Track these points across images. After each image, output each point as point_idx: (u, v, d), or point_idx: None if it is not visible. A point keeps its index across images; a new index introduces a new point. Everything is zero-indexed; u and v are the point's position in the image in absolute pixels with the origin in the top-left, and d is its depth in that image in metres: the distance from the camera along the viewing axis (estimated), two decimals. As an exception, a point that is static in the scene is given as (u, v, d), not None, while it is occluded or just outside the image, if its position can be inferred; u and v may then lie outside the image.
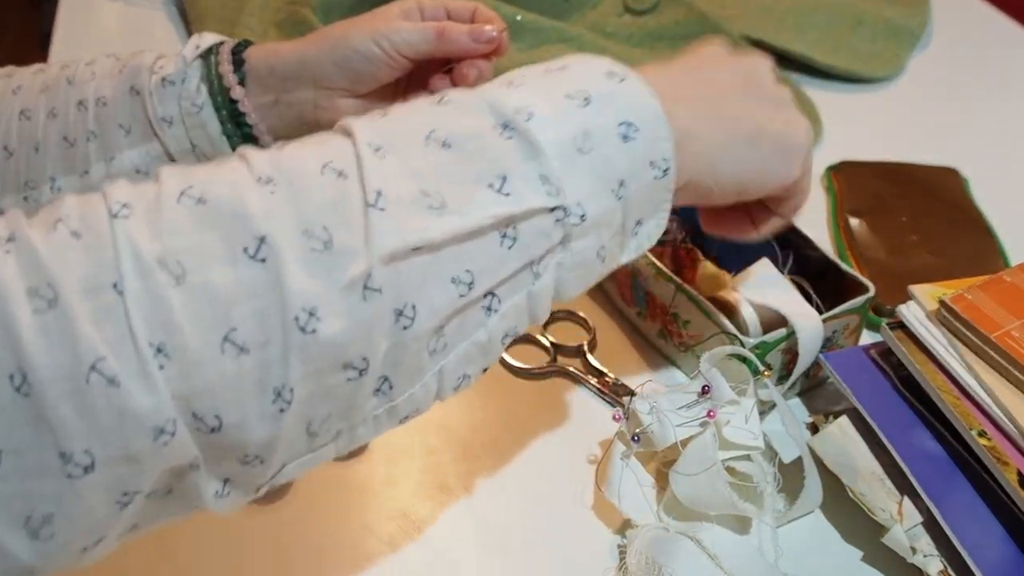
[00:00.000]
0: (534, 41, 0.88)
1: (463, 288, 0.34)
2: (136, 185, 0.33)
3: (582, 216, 0.36)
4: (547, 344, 0.62)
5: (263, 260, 0.31)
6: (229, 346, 0.30)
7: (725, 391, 0.48)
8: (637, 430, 0.49)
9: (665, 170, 0.38)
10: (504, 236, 0.35)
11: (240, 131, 0.63)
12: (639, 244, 0.40)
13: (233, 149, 0.63)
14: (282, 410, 0.32)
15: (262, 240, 0.31)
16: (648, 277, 0.60)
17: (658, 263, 0.59)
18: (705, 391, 0.48)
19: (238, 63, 0.62)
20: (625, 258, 0.40)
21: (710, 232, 0.51)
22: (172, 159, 0.63)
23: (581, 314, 0.64)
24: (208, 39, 0.63)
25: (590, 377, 0.60)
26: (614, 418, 0.50)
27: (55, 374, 0.28)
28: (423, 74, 0.65)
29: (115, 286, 0.29)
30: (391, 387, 0.35)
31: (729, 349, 0.51)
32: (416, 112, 0.36)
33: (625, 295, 0.63)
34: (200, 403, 0.30)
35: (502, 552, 0.50)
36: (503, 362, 0.60)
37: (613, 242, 0.38)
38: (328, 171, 0.33)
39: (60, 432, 0.28)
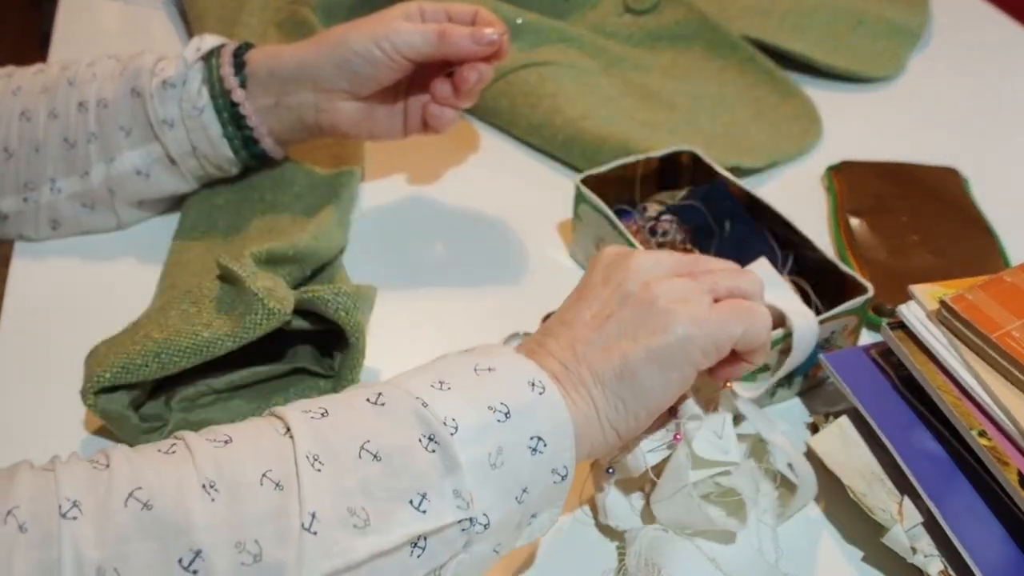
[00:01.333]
0: (534, 41, 0.88)
1: None
2: (88, 475, 0.35)
3: (486, 524, 0.39)
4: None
5: (194, 573, 0.34)
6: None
7: (690, 407, 0.48)
8: (610, 459, 0.49)
9: (564, 476, 0.41)
10: (414, 547, 0.38)
11: (241, 133, 0.63)
12: (531, 533, 0.43)
13: (234, 151, 0.63)
14: None
15: (198, 553, 0.34)
16: None
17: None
18: (671, 411, 0.48)
19: (239, 66, 0.62)
20: (517, 546, 0.43)
21: (721, 379, 0.50)
22: (172, 161, 0.63)
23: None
24: (209, 41, 0.63)
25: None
26: None
27: None
28: (424, 76, 0.65)
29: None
30: None
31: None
32: (354, 417, 0.39)
33: None
34: None
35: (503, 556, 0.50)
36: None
37: (508, 537, 0.41)
38: (267, 482, 0.36)
39: None
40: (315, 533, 0.35)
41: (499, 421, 0.40)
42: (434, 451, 0.38)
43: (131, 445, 0.53)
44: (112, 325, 0.56)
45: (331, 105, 0.62)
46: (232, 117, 0.62)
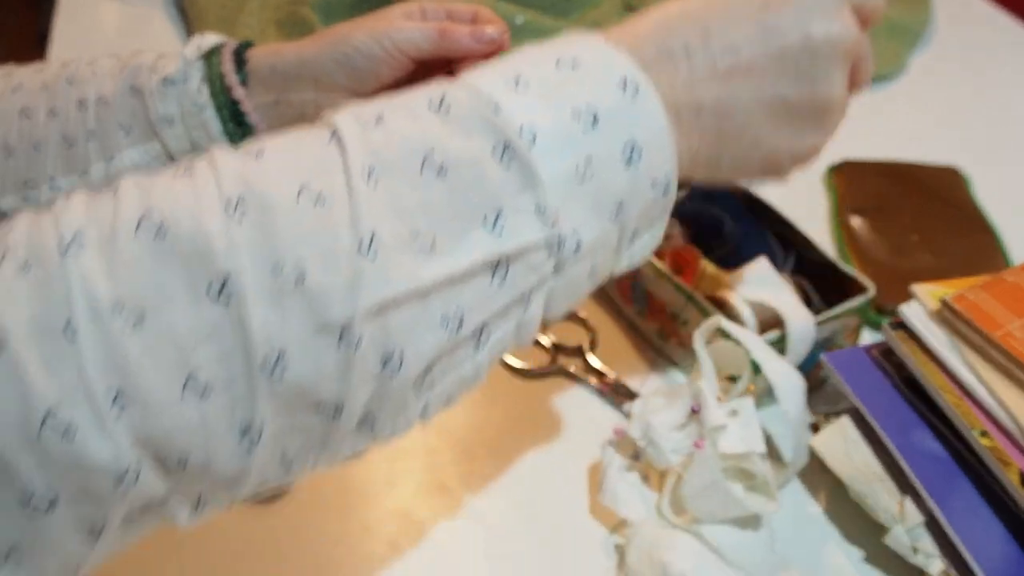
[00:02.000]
0: (534, 40, 0.87)
1: (452, 330, 0.32)
2: (92, 202, 0.31)
3: (578, 244, 0.34)
4: (547, 344, 0.62)
5: (225, 301, 0.29)
6: (191, 392, 0.29)
7: (714, 416, 0.48)
8: (637, 449, 0.49)
9: (666, 188, 0.36)
10: (495, 274, 0.33)
11: (241, 131, 0.63)
12: (632, 258, 0.39)
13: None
14: (250, 448, 0.30)
15: (225, 279, 0.29)
16: (648, 277, 0.59)
17: (658, 263, 0.58)
18: (695, 411, 0.49)
19: (240, 63, 0.62)
20: (617, 272, 0.39)
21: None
22: (173, 158, 0.63)
23: (581, 314, 0.64)
24: (210, 39, 0.63)
25: (590, 377, 0.60)
26: (615, 433, 0.51)
27: (6, 427, 0.27)
28: (425, 74, 0.65)
29: (66, 330, 0.28)
30: (373, 426, 0.33)
31: (714, 322, 0.51)
32: (414, 119, 0.34)
33: (625, 295, 0.63)
34: (163, 447, 0.29)
35: (502, 552, 0.50)
36: (503, 362, 0.60)
37: (605, 260, 0.37)
38: (306, 197, 0.30)
39: (20, 478, 0.28)
40: (370, 253, 0.30)
41: (585, 131, 0.34)
42: (508, 166, 0.33)
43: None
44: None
45: (332, 103, 0.62)
46: (232, 114, 0.62)
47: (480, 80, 0.35)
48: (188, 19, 0.93)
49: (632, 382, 0.59)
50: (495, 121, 0.33)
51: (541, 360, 0.61)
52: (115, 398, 0.28)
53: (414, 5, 0.63)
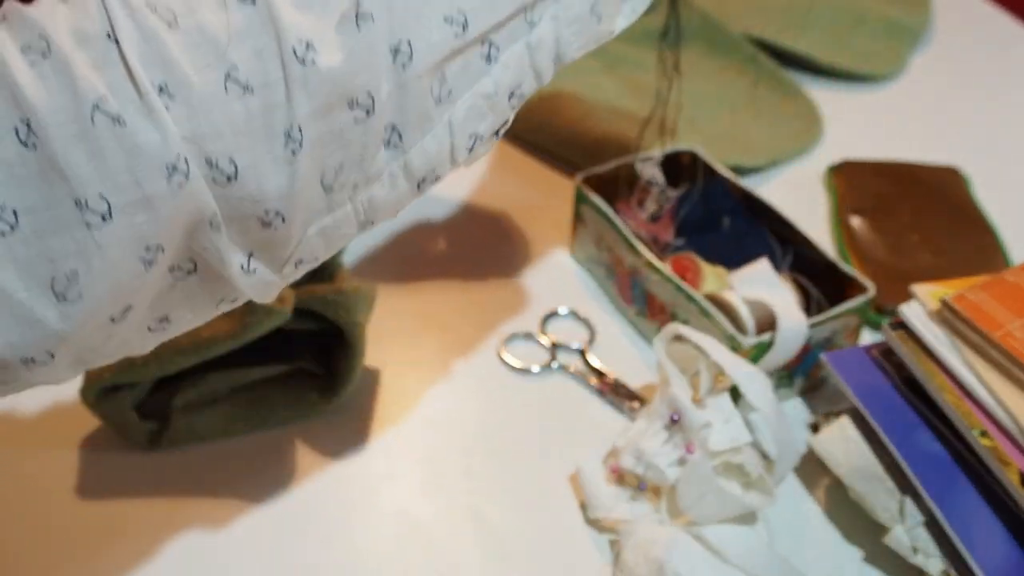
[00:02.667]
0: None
1: (457, 28, 0.33)
2: None
3: None
4: (547, 344, 0.62)
5: (252, 1, 0.31)
6: (232, 85, 0.30)
7: (696, 417, 0.48)
8: (641, 477, 0.50)
9: None
10: None
11: None
12: (634, 7, 0.39)
13: None
14: (294, 152, 0.31)
15: None
16: (647, 277, 0.60)
17: (657, 263, 0.58)
18: (674, 421, 0.49)
19: None
20: (621, 22, 0.39)
21: None
22: None
23: (581, 314, 0.64)
24: None
25: (590, 377, 0.60)
26: (611, 470, 0.51)
27: (59, 118, 0.28)
28: None
29: (108, 35, 0.29)
30: (401, 137, 0.34)
31: (673, 329, 0.51)
32: None
33: (624, 295, 0.63)
34: (211, 146, 0.30)
35: (502, 551, 0.50)
36: (503, 362, 0.60)
37: (607, 0, 0.37)
38: None
39: (72, 179, 0.28)
40: None
41: None
42: None
43: (134, 445, 0.53)
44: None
45: None
46: None
47: None
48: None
49: (632, 382, 0.59)
50: None
51: (541, 360, 0.61)
52: (160, 90, 0.29)
53: None
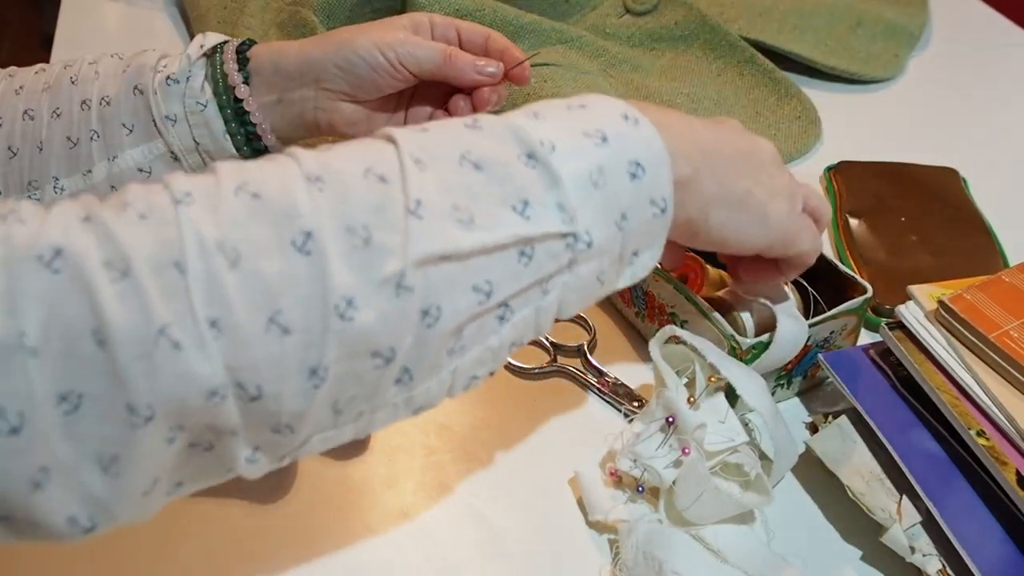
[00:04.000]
0: (535, 42, 0.88)
1: (482, 296, 0.37)
2: (194, 177, 0.36)
3: (589, 243, 0.39)
4: (547, 344, 0.62)
5: (308, 253, 0.34)
6: (274, 327, 0.34)
7: (690, 418, 0.48)
8: (639, 479, 0.50)
9: (663, 209, 0.42)
10: (522, 254, 0.38)
11: (243, 129, 0.63)
12: (634, 273, 0.43)
13: (236, 148, 0.64)
14: (316, 387, 0.35)
15: (308, 235, 0.34)
16: (647, 278, 0.59)
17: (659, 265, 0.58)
18: (670, 423, 0.49)
19: (242, 62, 0.62)
20: (621, 284, 0.43)
21: (746, 279, 0.55)
22: (175, 157, 0.63)
23: (581, 314, 0.64)
24: (212, 38, 0.63)
25: (590, 377, 0.60)
26: (610, 473, 0.51)
27: (129, 336, 0.32)
28: (427, 92, 0.64)
29: (177, 265, 0.33)
30: (411, 379, 0.38)
31: (669, 330, 0.51)
32: (451, 132, 0.40)
33: (624, 295, 0.63)
34: (245, 375, 0.34)
35: (502, 551, 0.50)
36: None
37: (612, 269, 0.42)
38: (371, 176, 0.37)
39: (129, 388, 0.32)
40: (420, 218, 0.36)
41: (596, 145, 0.40)
42: (534, 167, 0.39)
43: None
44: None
45: (330, 104, 0.63)
46: (235, 113, 0.62)
47: (504, 116, 0.41)
48: (189, 20, 0.94)
49: (632, 382, 0.59)
50: (520, 135, 0.39)
51: (541, 360, 0.61)
52: (213, 323, 0.33)
53: (423, 16, 0.63)
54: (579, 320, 0.64)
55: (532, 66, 0.83)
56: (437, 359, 0.38)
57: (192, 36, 0.92)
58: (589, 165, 0.40)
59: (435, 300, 0.36)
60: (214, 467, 0.37)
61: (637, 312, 0.62)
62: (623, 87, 0.86)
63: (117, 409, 0.32)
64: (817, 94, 0.87)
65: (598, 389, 0.59)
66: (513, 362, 0.60)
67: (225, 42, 0.63)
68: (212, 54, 0.62)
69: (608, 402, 0.59)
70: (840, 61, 0.90)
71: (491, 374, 0.41)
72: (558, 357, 0.61)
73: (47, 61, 0.67)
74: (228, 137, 0.63)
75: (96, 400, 0.32)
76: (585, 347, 0.62)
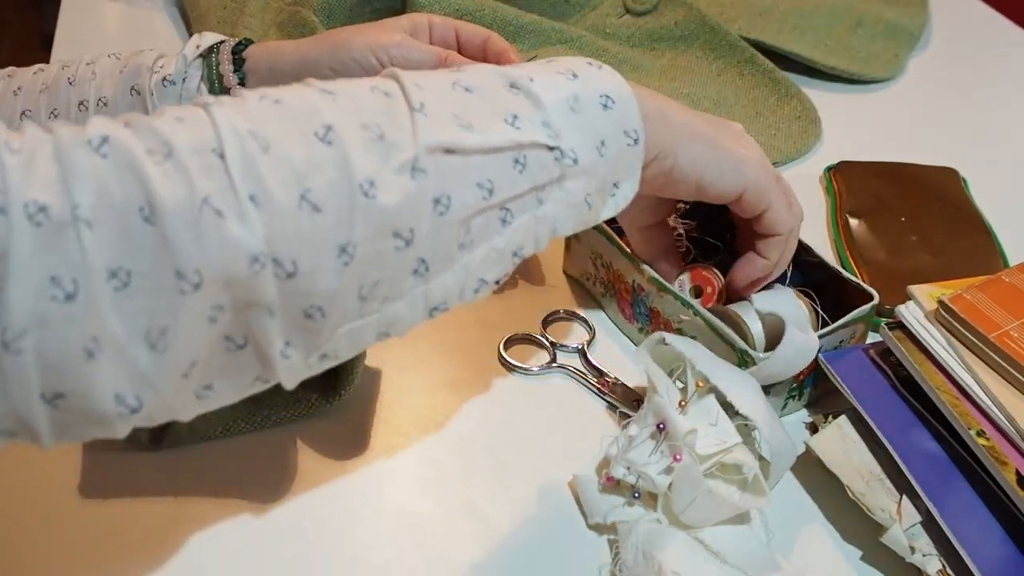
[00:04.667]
0: (534, 42, 0.88)
1: (485, 193, 0.41)
2: (220, 97, 0.39)
3: (575, 159, 0.44)
4: (547, 344, 0.62)
5: (330, 143, 0.38)
6: (306, 204, 0.36)
7: (680, 424, 0.48)
8: (634, 486, 0.50)
9: (636, 139, 0.46)
10: (516, 161, 0.42)
11: None
12: (616, 203, 0.47)
13: None
14: (346, 264, 0.38)
15: (329, 128, 0.38)
16: (650, 293, 0.59)
17: (660, 278, 0.58)
18: (661, 429, 0.49)
19: (238, 62, 0.62)
20: (606, 214, 0.47)
21: (740, 283, 0.57)
22: None
23: (581, 314, 0.64)
24: (209, 38, 0.63)
25: (590, 377, 0.60)
26: (606, 479, 0.51)
27: (176, 206, 0.34)
28: None
29: (215, 151, 0.36)
30: (427, 269, 0.41)
31: (658, 336, 0.51)
32: (440, 73, 0.44)
33: (626, 312, 0.63)
34: (282, 249, 0.36)
35: (502, 551, 0.50)
36: (503, 362, 0.61)
37: (597, 195, 0.46)
38: (377, 92, 0.41)
39: (178, 255, 0.34)
40: (426, 115, 0.40)
41: (568, 80, 0.45)
42: (517, 93, 0.44)
43: (135, 445, 0.53)
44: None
45: None
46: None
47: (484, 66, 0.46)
48: (189, 20, 0.94)
49: (632, 382, 0.59)
50: (501, 72, 0.44)
51: (541, 360, 0.61)
52: (251, 197, 0.35)
53: (422, 17, 0.63)
54: (579, 320, 0.64)
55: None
56: (449, 251, 0.41)
57: (192, 36, 0.93)
58: (566, 93, 0.44)
59: (446, 190, 0.40)
60: (247, 364, 0.39)
61: (640, 329, 0.62)
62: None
63: (166, 278, 0.34)
64: (817, 94, 0.87)
65: (598, 389, 0.59)
66: (513, 362, 0.60)
67: (222, 42, 0.63)
68: (208, 54, 0.62)
69: (608, 402, 0.59)
70: (840, 61, 0.90)
71: (497, 283, 0.44)
72: (558, 357, 0.61)
73: (47, 61, 0.67)
74: None
75: (144, 276, 0.34)
76: (585, 347, 0.62)
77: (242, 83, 0.62)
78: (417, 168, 0.39)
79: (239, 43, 0.63)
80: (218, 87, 0.61)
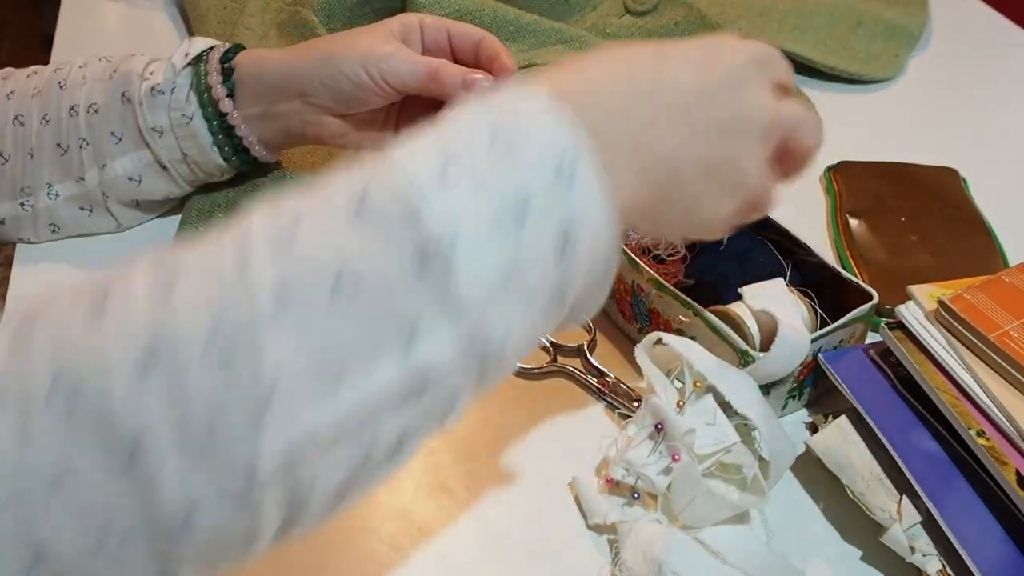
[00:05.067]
0: (534, 42, 0.88)
1: (364, 453, 0.32)
2: (12, 365, 0.30)
3: (502, 348, 0.33)
4: (547, 344, 0.62)
5: (133, 472, 0.29)
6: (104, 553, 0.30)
7: (678, 423, 0.48)
8: (633, 487, 0.50)
9: (604, 272, 0.36)
10: (409, 395, 0.32)
11: (231, 141, 0.63)
12: (571, 324, 0.38)
13: (225, 159, 0.63)
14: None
15: (135, 447, 0.29)
16: (650, 293, 0.59)
17: (661, 279, 0.58)
18: (659, 429, 0.49)
19: (227, 72, 0.61)
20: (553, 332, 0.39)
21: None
22: (164, 167, 0.63)
23: (581, 314, 0.64)
24: (198, 45, 0.62)
25: (590, 377, 0.60)
26: (606, 480, 0.51)
27: None
28: (418, 100, 0.63)
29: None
30: (291, 529, 0.34)
31: (656, 336, 0.51)
32: (329, 232, 0.32)
33: (625, 312, 0.62)
34: None
35: (502, 551, 0.50)
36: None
37: (539, 337, 0.37)
38: (214, 348, 0.30)
39: None
40: (274, 405, 0.30)
41: (513, 227, 0.32)
42: (427, 277, 0.31)
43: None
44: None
45: (317, 118, 0.62)
46: (222, 126, 0.62)
47: (408, 166, 0.33)
48: (189, 20, 0.94)
49: (632, 382, 0.59)
50: (416, 219, 0.31)
51: (541, 360, 0.61)
52: (36, 556, 0.29)
53: (414, 18, 0.61)
54: (579, 320, 0.64)
55: (532, 66, 0.83)
56: (316, 513, 0.33)
57: (192, 36, 0.93)
58: (502, 259, 0.32)
59: (302, 485, 0.31)
60: None
61: (639, 329, 0.61)
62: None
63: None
64: (817, 94, 0.87)
65: (598, 389, 0.59)
66: (513, 362, 0.60)
67: (211, 48, 0.63)
68: (197, 63, 0.62)
69: (608, 402, 0.59)
70: (840, 61, 0.90)
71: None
72: (558, 357, 0.61)
73: (47, 61, 0.68)
74: (216, 149, 0.62)
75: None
76: (585, 347, 0.62)
77: (231, 94, 0.61)
78: (255, 489, 0.30)
79: (228, 50, 0.63)
80: (207, 99, 0.61)
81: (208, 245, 0.32)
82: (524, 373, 0.60)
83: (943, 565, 0.47)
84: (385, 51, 0.58)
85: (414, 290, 0.31)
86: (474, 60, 0.61)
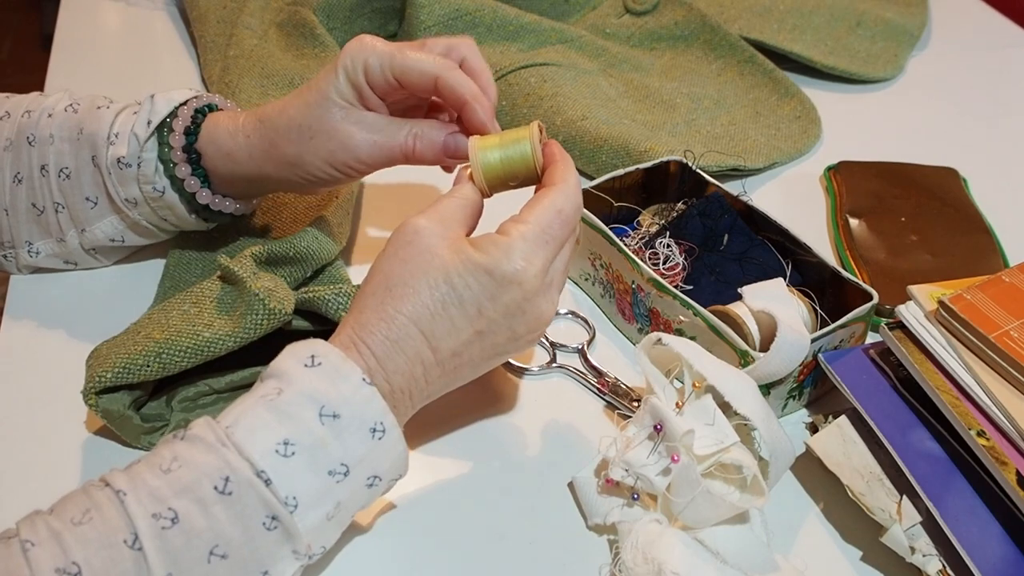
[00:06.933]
0: (534, 42, 0.88)
1: None
2: None
3: (323, 549, 0.46)
4: (547, 344, 0.62)
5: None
6: None
7: (677, 425, 0.48)
8: (633, 487, 0.50)
9: (398, 477, 0.48)
10: None
11: (208, 209, 0.61)
12: (378, 491, 0.48)
13: (205, 220, 0.62)
14: None
15: None
16: (650, 293, 0.59)
17: (660, 279, 0.58)
18: (658, 429, 0.49)
19: (194, 160, 0.59)
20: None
21: None
22: (147, 228, 0.62)
23: (581, 314, 0.64)
24: (160, 107, 0.59)
25: (590, 377, 0.60)
26: (606, 481, 0.51)
27: None
28: (413, 108, 0.62)
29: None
30: None
31: (655, 336, 0.51)
32: (202, 514, 0.42)
33: (625, 312, 0.63)
34: None
35: (502, 550, 0.50)
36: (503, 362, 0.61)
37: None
38: None
39: None
40: None
41: (338, 482, 0.44)
42: (275, 528, 0.43)
43: (132, 445, 0.53)
44: (113, 326, 0.56)
45: (303, 189, 0.61)
46: (195, 199, 0.60)
47: (255, 448, 0.43)
48: (189, 20, 0.94)
49: (632, 382, 0.59)
50: (266, 497, 0.42)
51: (541, 360, 0.61)
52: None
53: (358, 78, 0.56)
54: (579, 320, 0.64)
55: (532, 66, 0.83)
56: None
57: (192, 36, 0.93)
58: (328, 507, 0.44)
59: None
60: None
61: (639, 329, 0.62)
62: (623, 87, 0.86)
63: None
64: (817, 94, 0.87)
65: (598, 389, 0.59)
66: (513, 362, 0.60)
67: (173, 115, 0.59)
68: (160, 129, 0.58)
69: (607, 402, 0.59)
70: (840, 61, 0.90)
71: None
72: (558, 357, 0.61)
73: (47, 61, 0.67)
74: (194, 215, 0.61)
75: None
76: (585, 347, 0.62)
77: (206, 181, 0.59)
78: None
79: (189, 125, 0.59)
80: (178, 183, 0.59)
81: (102, 536, 0.41)
82: (524, 373, 0.60)
83: (943, 565, 0.47)
84: (350, 145, 0.56)
85: (267, 536, 0.43)
86: (432, 91, 0.56)
